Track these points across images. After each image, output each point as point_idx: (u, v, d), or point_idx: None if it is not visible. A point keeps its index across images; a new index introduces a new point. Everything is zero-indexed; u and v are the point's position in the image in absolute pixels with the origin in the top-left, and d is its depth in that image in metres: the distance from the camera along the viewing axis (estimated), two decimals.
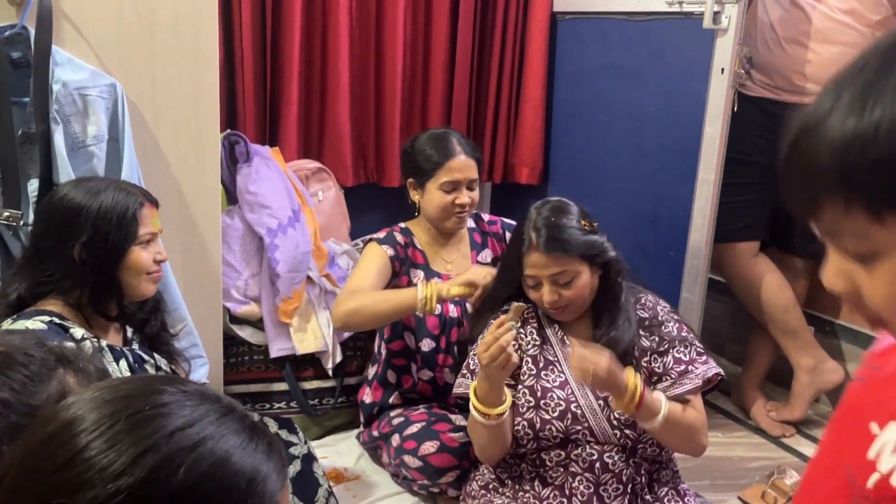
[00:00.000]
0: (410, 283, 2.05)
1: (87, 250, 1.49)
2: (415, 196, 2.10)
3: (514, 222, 2.21)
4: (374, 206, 2.84)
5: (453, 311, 2.08)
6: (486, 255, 2.19)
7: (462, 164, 2.02)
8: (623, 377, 1.51)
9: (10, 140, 1.67)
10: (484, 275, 1.83)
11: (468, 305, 1.91)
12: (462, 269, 2.04)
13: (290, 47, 2.49)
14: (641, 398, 1.51)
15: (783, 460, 2.34)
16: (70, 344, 1.40)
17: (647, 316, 1.71)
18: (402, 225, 2.15)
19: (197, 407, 0.60)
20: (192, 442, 0.57)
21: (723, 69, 2.15)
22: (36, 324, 1.41)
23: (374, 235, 2.12)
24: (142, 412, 0.58)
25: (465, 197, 2.03)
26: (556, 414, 1.63)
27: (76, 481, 0.55)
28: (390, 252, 2.05)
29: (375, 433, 2.08)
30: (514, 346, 1.58)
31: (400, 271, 2.07)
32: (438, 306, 1.84)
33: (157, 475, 0.55)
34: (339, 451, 2.23)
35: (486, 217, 2.25)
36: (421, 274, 2.08)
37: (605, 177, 2.66)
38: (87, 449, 0.56)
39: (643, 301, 1.74)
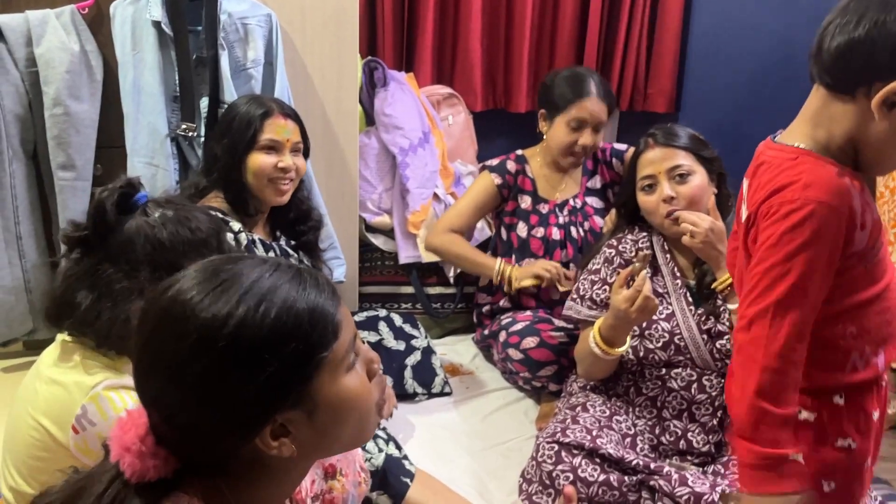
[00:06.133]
0: (517, 207, 2.26)
1: (223, 149, 1.76)
2: (543, 127, 2.24)
3: (622, 146, 2.30)
4: (501, 131, 2.98)
5: (556, 233, 2.23)
6: (596, 181, 2.30)
7: (594, 106, 2.13)
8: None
9: (188, 63, 1.97)
10: (548, 267, 2.08)
11: (558, 286, 2.08)
12: (570, 195, 2.25)
13: None
14: None
15: None
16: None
17: None
18: (519, 152, 2.31)
19: (256, 268, 0.77)
20: (260, 294, 0.74)
21: None
22: None
23: (489, 162, 2.31)
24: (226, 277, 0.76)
25: (588, 138, 2.14)
26: (659, 344, 1.72)
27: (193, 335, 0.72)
28: (498, 181, 2.24)
29: (487, 332, 2.31)
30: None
31: (507, 197, 2.26)
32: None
33: (247, 320, 0.73)
34: (456, 350, 2.48)
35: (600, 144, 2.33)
36: (528, 199, 2.26)
37: (744, 108, 2.61)
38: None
39: None
